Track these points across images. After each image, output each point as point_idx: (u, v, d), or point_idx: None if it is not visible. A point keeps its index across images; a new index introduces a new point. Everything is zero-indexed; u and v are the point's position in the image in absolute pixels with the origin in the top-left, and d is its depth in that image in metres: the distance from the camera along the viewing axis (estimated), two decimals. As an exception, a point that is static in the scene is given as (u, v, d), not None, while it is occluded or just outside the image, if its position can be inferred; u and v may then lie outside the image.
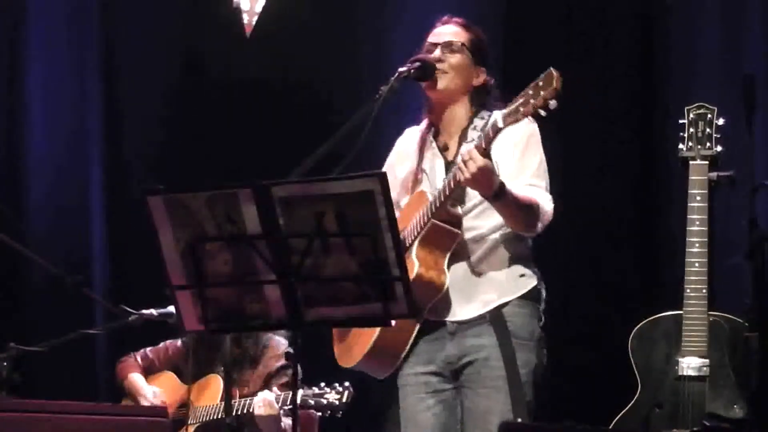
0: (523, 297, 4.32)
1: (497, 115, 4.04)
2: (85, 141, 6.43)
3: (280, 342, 5.44)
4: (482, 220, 4.28)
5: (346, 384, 5.06)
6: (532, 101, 3.97)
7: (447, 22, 4.46)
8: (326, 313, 3.67)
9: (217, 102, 6.35)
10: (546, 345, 4.36)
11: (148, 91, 6.44)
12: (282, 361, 5.35)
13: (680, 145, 4.91)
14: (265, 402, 5.14)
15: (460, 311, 4.30)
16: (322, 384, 5.07)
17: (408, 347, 4.33)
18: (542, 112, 3.98)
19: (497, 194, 4.12)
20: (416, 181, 4.41)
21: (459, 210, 4.28)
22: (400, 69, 4.31)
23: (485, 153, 4.07)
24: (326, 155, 4.15)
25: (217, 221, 3.60)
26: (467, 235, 4.28)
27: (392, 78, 4.28)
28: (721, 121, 4.87)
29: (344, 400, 5.07)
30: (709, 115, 4.89)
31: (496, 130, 4.05)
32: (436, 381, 4.34)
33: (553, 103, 3.95)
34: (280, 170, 4.05)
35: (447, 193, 4.18)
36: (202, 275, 3.64)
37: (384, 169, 4.44)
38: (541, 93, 3.95)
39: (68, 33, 6.46)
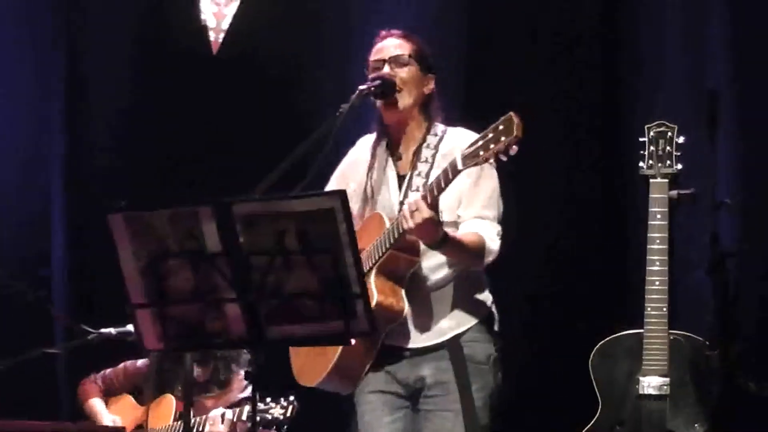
0: (479, 322, 4.33)
1: (457, 156, 4.02)
2: (47, 155, 6.39)
3: (242, 374, 5.39)
4: None
5: (291, 398, 5.02)
6: (492, 146, 3.94)
7: (386, 36, 4.42)
8: (288, 331, 3.65)
9: (186, 111, 6.33)
10: (501, 367, 4.35)
11: (112, 105, 6.41)
12: (245, 393, 5.31)
13: (641, 163, 4.93)
14: (215, 420, 5.12)
15: (418, 338, 4.30)
16: (268, 399, 5.03)
17: (368, 368, 4.31)
18: (503, 158, 3.95)
19: (440, 244, 4.14)
20: (369, 193, 4.39)
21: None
22: (361, 87, 4.30)
23: (434, 201, 4.07)
24: (288, 171, 4.14)
25: (178, 238, 3.59)
26: (423, 262, 4.28)
27: (353, 96, 4.28)
28: (681, 139, 4.89)
29: (288, 414, 5.04)
30: (670, 133, 4.90)
31: (456, 172, 4.04)
32: (393, 399, 4.33)
33: (514, 149, 3.92)
34: (246, 178, 4.04)
35: (400, 231, 4.15)
36: (162, 293, 3.62)
37: (335, 178, 4.47)
38: (502, 138, 3.92)
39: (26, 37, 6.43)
